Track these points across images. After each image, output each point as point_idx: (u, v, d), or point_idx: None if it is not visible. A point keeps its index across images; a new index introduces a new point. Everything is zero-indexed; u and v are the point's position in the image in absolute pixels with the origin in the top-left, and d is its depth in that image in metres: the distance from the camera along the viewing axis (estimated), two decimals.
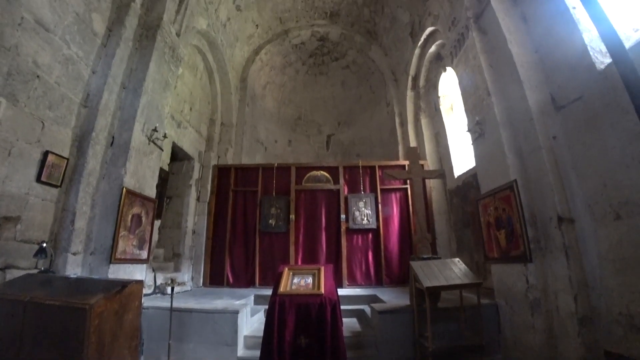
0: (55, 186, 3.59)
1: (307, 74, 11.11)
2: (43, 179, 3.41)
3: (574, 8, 3.42)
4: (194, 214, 7.07)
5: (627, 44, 2.83)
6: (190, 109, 7.16)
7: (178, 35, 5.62)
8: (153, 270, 5.26)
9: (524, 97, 3.94)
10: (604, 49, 3.06)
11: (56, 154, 3.57)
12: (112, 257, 3.89)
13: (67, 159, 3.73)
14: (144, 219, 4.64)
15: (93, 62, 4.20)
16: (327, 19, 9.45)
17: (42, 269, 3.25)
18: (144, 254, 4.60)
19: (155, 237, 6.21)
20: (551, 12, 3.73)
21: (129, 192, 4.28)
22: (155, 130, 4.90)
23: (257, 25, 9.02)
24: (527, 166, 3.97)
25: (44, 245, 3.13)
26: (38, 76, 3.38)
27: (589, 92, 3.20)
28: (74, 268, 3.60)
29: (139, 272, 4.44)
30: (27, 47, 3.24)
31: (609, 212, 2.91)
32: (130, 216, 4.33)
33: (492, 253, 4.30)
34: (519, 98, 4.04)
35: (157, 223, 6.41)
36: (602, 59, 3.11)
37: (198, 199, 7.21)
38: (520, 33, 4.19)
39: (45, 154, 3.44)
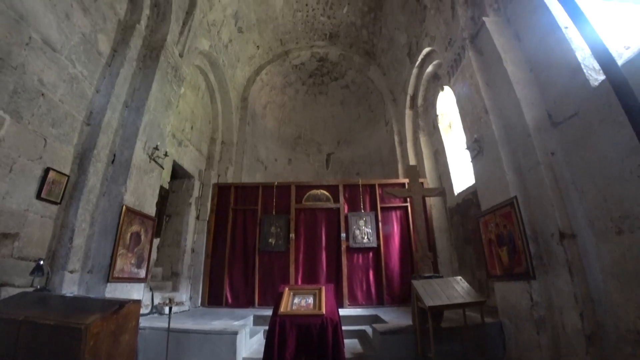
0: (55, 203, 3.58)
1: (307, 94, 11.30)
2: (43, 195, 3.41)
3: (566, 27, 3.51)
4: (194, 233, 7.02)
5: (620, 61, 2.90)
6: (192, 127, 7.24)
7: (181, 55, 5.75)
8: (151, 290, 5.18)
9: (521, 114, 3.99)
10: (597, 66, 3.12)
11: (57, 171, 3.58)
12: (109, 276, 3.84)
13: (68, 176, 3.75)
14: (143, 237, 4.61)
15: (97, 81, 4.28)
16: (327, 40, 9.71)
17: (38, 287, 3.20)
18: (142, 273, 4.54)
19: (154, 255, 6.15)
20: (544, 32, 3.83)
21: (128, 209, 4.27)
22: (156, 148, 4.93)
23: (258, 47, 9.26)
24: (526, 182, 3.98)
25: (41, 262, 3.09)
26: (43, 94, 3.44)
27: (584, 108, 3.25)
28: (70, 286, 3.54)
29: (136, 292, 4.37)
30: (33, 66, 3.32)
31: (610, 226, 2.90)
32: (129, 234, 4.30)
33: (495, 270, 4.25)
34: (516, 115, 4.09)
35: (156, 241, 6.36)
36: (595, 76, 3.17)
37: (198, 218, 7.18)
38: (514, 52, 4.29)
39: (47, 170, 3.45)
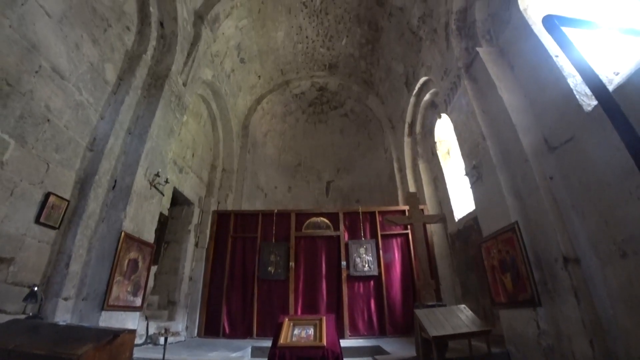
0: (54, 228, 3.56)
1: (307, 122, 11.51)
2: (42, 220, 3.39)
3: (557, 56, 3.64)
4: (192, 260, 6.92)
5: (610, 87, 2.98)
6: (193, 154, 7.32)
7: (184, 85, 5.91)
8: (146, 319, 5.03)
9: (518, 140, 4.04)
10: (589, 92, 3.21)
11: (57, 196, 3.59)
12: (104, 304, 3.74)
13: (68, 201, 3.75)
14: (140, 264, 4.53)
15: (102, 108, 4.38)
16: (326, 70, 10.02)
17: (30, 314, 3.11)
18: (138, 301, 4.43)
19: (151, 283, 6.02)
20: (535, 61, 3.96)
21: (127, 236, 4.24)
22: (157, 175, 4.97)
23: (259, 76, 9.54)
24: (527, 207, 3.97)
25: (35, 289, 3.03)
26: (49, 120, 3.51)
27: (579, 133, 3.30)
28: (63, 314, 3.45)
29: (131, 321, 4.24)
30: (41, 93, 3.41)
31: (614, 249, 2.86)
32: (126, 261, 4.24)
33: (499, 297, 4.15)
34: (513, 141, 4.15)
35: (154, 269, 6.25)
36: (588, 101, 3.25)
37: (196, 245, 7.10)
38: (508, 80, 4.41)
39: (47, 195, 3.46)
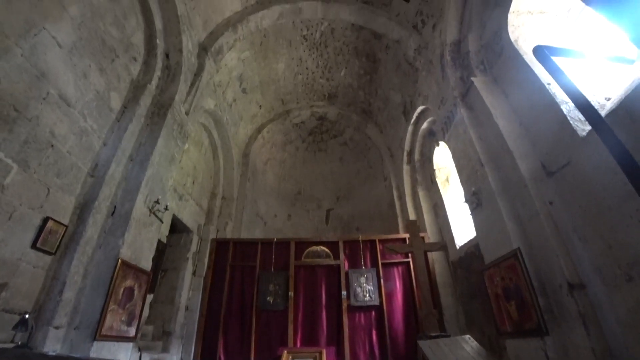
0: (50, 253, 3.51)
1: (306, 151, 11.65)
2: (38, 245, 3.35)
3: (549, 84, 3.75)
4: (189, 289, 6.76)
5: (603, 112, 3.06)
6: (193, 182, 7.35)
7: (187, 113, 6.04)
8: (139, 350, 4.83)
9: (516, 166, 4.07)
10: (582, 117, 3.28)
11: (56, 221, 3.57)
12: (97, 333, 3.61)
13: (66, 226, 3.72)
14: (136, 292, 4.43)
15: (106, 134, 4.46)
16: (326, 100, 10.28)
17: (19, 343, 2.99)
18: (132, 331, 4.28)
19: (146, 312, 5.85)
20: (529, 89, 4.08)
21: (124, 263, 4.17)
22: (157, 202, 4.96)
23: (260, 106, 9.77)
24: (528, 233, 3.94)
25: (27, 316, 2.94)
26: (52, 145, 3.57)
27: (576, 158, 3.34)
28: (53, 344, 3.32)
29: (124, 352, 4.08)
30: (47, 119, 3.49)
31: (619, 274, 2.81)
32: (122, 289, 4.14)
33: (505, 327, 4.02)
34: (511, 167, 4.18)
35: (149, 297, 6.09)
36: (582, 126, 3.32)
37: (194, 273, 6.96)
38: (504, 107, 4.51)
39: (45, 219, 3.44)
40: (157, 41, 5.34)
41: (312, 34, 8.05)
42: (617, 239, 2.85)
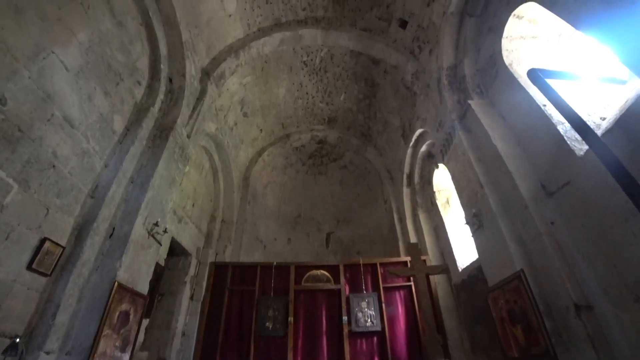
0: (45, 275, 3.44)
1: (306, 174, 11.70)
2: (34, 266, 3.29)
3: (544, 105, 3.82)
4: (186, 314, 6.58)
5: (599, 132, 3.10)
6: (193, 205, 7.33)
7: (189, 136, 6.11)
8: None
9: (516, 187, 4.08)
10: (579, 137, 3.32)
11: (53, 242, 3.52)
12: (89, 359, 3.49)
13: (63, 247, 3.67)
14: (131, 316, 4.31)
15: (107, 156, 4.48)
16: (325, 124, 10.44)
17: None
18: (126, 357, 4.13)
19: (141, 337, 5.66)
20: (525, 111, 4.15)
21: (120, 286, 4.09)
22: (156, 224, 4.93)
23: (261, 130, 9.91)
24: (531, 254, 3.90)
25: (17, 340, 2.85)
26: (54, 166, 3.58)
27: (575, 177, 3.35)
28: None
29: None
30: (50, 139, 3.52)
31: (626, 294, 2.75)
32: (117, 313, 4.04)
33: (512, 351, 3.88)
34: (511, 188, 4.19)
35: (145, 322, 5.92)
36: (579, 146, 3.35)
37: (192, 298, 6.80)
38: (501, 129, 4.57)
39: (43, 240, 3.40)
40: (162, 66, 5.48)
41: (312, 60, 8.28)
42: (621, 257, 2.81)
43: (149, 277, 4.84)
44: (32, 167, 3.31)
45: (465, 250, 6.31)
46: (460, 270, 6.22)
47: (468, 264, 5.96)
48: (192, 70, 6.10)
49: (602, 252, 3.03)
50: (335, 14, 7.16)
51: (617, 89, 3.26)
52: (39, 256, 3.33)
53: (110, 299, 3.88)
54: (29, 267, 3.26)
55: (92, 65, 4.11)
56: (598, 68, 3.73)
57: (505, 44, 4.48)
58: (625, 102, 3.01)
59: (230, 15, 6.68)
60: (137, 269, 4.51)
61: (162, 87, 5.53)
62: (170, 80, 5.79)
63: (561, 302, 3.35)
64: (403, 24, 6.53)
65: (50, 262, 3.49)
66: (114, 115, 4.57)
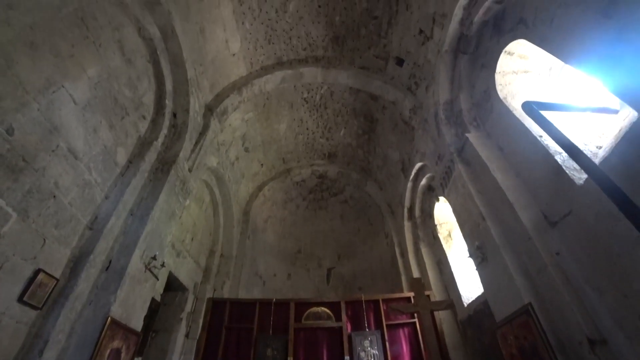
0: (36, 308, 3.32)
1: (307, 209, 11.68)
2: (25, 298, 3.18)
3: (541, 136, 3.88)
4: (181, 353, 6.27)
5: (597, 160, 3.13)
6: (192, 239, 7.24)
7: (190, 170, 6.16)
8: None
9: (517, 218, 4.04)
10: (577, 166, 3.34)
11: (47, 273, 3.44)
12: None
13: (57, 280, 3.57)
14: (123, 354, 4.11)
15: (108, 188, 4.49)
16: (326, 159, 10.58)
17: None
18: None
19: None
20: (522, 142, 4.21)
21: (113, 321, 3.94)
22: (154, 258, 4.85)
23: (262, 164, 10.02)
24: (538, 287, 3.79)
25: None
26: (55, 196, 3.58)
27: (576, 206, 3.33)
28: None
29: None
30: (53, 170, 3.55)
31: None
32: (108, 350, 3.85)
33: None
34: (513, 219, 4.15)
35: None
36: (578, 175, 3.36)
37: (187, 335, 6.52)
38: (500, 161, 4.62)
39: (37, 272, 3.32)
40: (167, 101, 5.65)
41: (312, 97, 8.56)
42: (632, 287, 2.73)
43: (144, 312, 4.68)
44: (33, 196, 3.31)
45: (470, 284, 6.14)
46: (465, 305, 6.02)
47: (474, 298, 5.78)
48: (195, 106, 6.28)
49: (611, 282, 2.94)
50: (334, 53, 7.51)
51: (611, 118, 3.34)
52: (31, 288, 3.24)
53: (102, 336, 3.72)
54: (20, 299, 3.16)
55: (99, 99, 4.24)
56: (590, 98, 3.84)
57: (499, 78, 4.65)
58: (620, 130, 3.07)
59: (234, 55, 6.99)
60: (132, 304, 4.37)
61: (166, 122, 5.66)
62: (175, 115, 5.95)
63: (574, 337, 3.21)
64: (400, 62, 6.82)
65: (42, 294, 3.38)
66: (117, 148, 4.64)
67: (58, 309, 3.50)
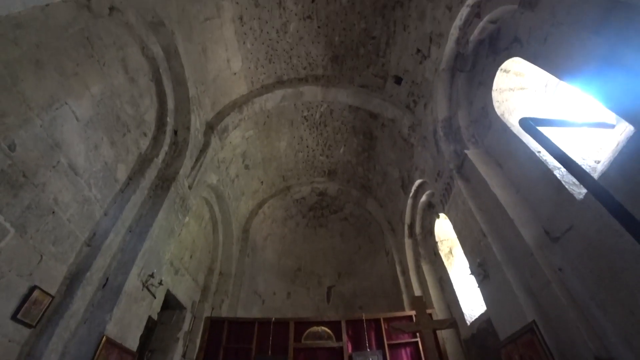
0: (30, 326, 3.24)
1: (307, 226, 11.62)
2: (19, 316, 3.12)
3: (539, 152, 3.90)
4: None
5: (595, 175, 3.13)
6: (191, 256, 7.16)
7: (190, 187, 6.16)
8: None
9: (519, 234, 4.01)
10: (576, 180, 3.34)
11: (43, 290, 3.38)
12: None
13: (53, 297, 3.51)
14: None
15: (108, 204, 4.48)
16: (326, 176, 10.61)
17: None
18: None
19: None
20: (520, 158, 4.23)
21: (108, 341, 3.85)
22: (152, 276, 4.79)
23: (262, 182, 10.03)
24: (542, 304, 3.72)
25: None
26: (54, 212, 3.57)
27: (578, 221, 3.31)
28: None
29: None
30: (53, 186, 3.55)
31: None
32: None
33: None
34: (514, 235, 4.12)
35: None
36: (578, 190, 3.36)
37: (184, 356, 6.35)
38: (499, 177, 4.62)
39: (32, 288, 3.27)
40: (168, 119, 5.71)
41: (312, 115, 8.66)
42: (638, 304, 2.68)
43: (140, 331, 4.59)
44: (32, 212, 3.29)
45: (472, 302, 6.04)
46: (468, 323, 5.89)
47: (477, 316, 5.67)
48: (197, 123, 6.35)
49: (617, 298, 2.89)
50: (334, 72, 7.65)
51: (607, 133, 3.37)
52: (25, 305, 3.18)
53: (96, 356, 3.63)
54: (14, 316, 3.09)
55: (102, 116, 4.29)
56: (586, 113, 3.89)
57: (496, 95, 4.72)
58: (617, 144, 3.09)
59: (235, 74, 7.13)
60: (127, 323, 4.29)
61: (167, 139, 5.70)
62: (175, 132, 6.00)
63: (581, 356, 3.12)
64: (398, 80, 6.94)
65: (37, 312, 3.32)
66: (118, 165, 4.66)
67: (52, 328, 3.43)
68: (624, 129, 3.11)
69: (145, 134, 5.29)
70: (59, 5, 3.42)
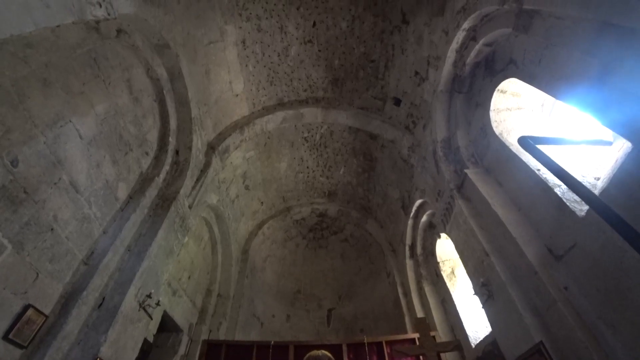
0: (21, 347, 3.14)
1: (307, 248, 11.50)
2: (11, 336, 3.02)
3: (539, 170, 3.92)
4: None
5: (596, 192, 3.14)
6: (189, 277, 7.05)
7: (190, 207, 6.15)
8: None
9: (522, 253, 3.97)
10: (577, 197, 3.34)
11: (37, 309, 3.30)
12: None
13: (47, 317, 3.42)
14: None
15: (107, 223, 4.46)
16: (326, 197, 10.60)
17: None
18: None
19: None
20: (521, 176, 4.25)
21: None
22: (149, 296, 4.71)
23: (262, 203, 10.01)
24: (549, 324, 3.63)
25: None
26: (52, 229, 3.54)
27: (581, 239, 3.28)
28: None
29: None
30: (53, 203, 3.54)
31: None
32: None
33: None
34: (517, 254, 4.07)
35: None
36: (580, 207, 3.35)
37: None
38: (500, 196, 4.62)
39: (26, 307, 3.19)
40: (170, 139, 5.78)
41: (312, 136, 8.76)
42: None
43: (135, 354, 4.45)
44: (30, 229, 3.27)
45: (477, 323, 5.89)
46: (473, 346, 5.73)
47: (482, 338, 5.52)
48: (198, 144, 6.41)
49: (625, 317, 2.82)
50: (334, 94, 7.81)
51: (606, 150, 3.40)
52: (18, 325, 3.09)
53: None
54: (6, 336, 2.99)
55: (105, 134, 4.34)
56: (584, 131, 3.94)
57: (494, 115, 4.80)
58: (616, 161, 3.11)
59: (237, 95, 7.27)
60: (122, 345, 4.16)
61: (169, 159, 5.75)
62: (177, 152, 6.06)
63: None
64: (397, 102, 7.08)
65: (29, 332, 3.22)
66: (119, 183, 4.67)
67: (44, 349, 3.32)
68: (622, 146, 3.15)
69: (147, 153, 5.34)
70: (69, 27, 3.53)
